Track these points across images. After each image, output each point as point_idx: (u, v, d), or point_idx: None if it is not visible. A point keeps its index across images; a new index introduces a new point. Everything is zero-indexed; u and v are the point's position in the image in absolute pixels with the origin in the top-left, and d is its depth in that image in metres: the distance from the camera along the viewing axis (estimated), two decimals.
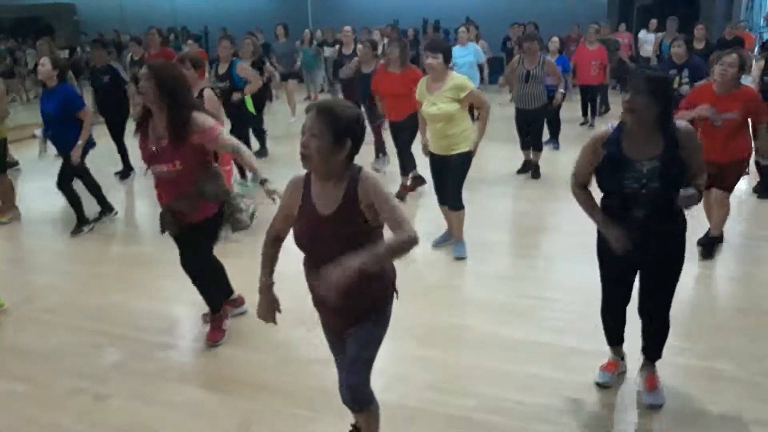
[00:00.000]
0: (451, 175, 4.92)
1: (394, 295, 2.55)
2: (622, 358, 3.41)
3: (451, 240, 5.21)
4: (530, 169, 7.36)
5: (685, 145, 2.76)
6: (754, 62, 6.65)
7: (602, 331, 3.37)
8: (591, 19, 11.01)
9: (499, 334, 3.87)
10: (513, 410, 3.14)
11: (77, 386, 3.44)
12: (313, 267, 2.34)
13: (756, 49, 11.40)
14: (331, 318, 2.51)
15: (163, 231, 3.61)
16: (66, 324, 4.15)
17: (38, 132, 8.33)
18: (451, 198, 4.99)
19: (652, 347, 3.25)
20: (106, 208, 6.04)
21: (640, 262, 3.01)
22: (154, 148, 3.41)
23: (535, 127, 7.29)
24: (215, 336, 3.81)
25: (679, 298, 4.44)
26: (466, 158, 4.85)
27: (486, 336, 3.87)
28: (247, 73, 6.75)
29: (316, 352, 3.23)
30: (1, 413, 3.25)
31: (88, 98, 6.95)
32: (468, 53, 8.63)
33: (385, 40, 10.29)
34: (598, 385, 3.30)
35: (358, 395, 2.44)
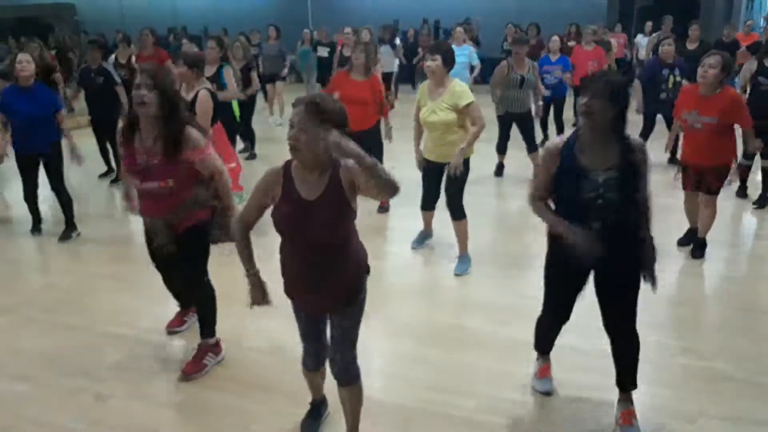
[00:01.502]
0: (451, 183, 4.72)
1: (367, 274, 2.68)
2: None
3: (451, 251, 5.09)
4: (502, 172, 7.55)
5: (638, 158, 2.69)
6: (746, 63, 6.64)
7: (602, 331, 3.36)
8: (591, 19, 11.02)
9: (499, 335, 3.87)
10: (513, 410, 3.15)
11: (77, 386, 3.44)
12: (290, 254, 2.52)
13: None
14: (307, 305, 2.65)
15: (152, 244, 3.48)
16: (66, 324, 4.15)
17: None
18: (453, 207, 4.80)
19: (625, 373, 3.00)
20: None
21: (597, 274, 2.92)
22: (141, 163, 3.19)
23: (529, 128, 7.28)
24: (194, 368, 3.50)
25: (679, 299, 4.47)
26: (465, 165, 4.65)
27: (485, 336, 3.87)
28: (230, 81, 6.43)
29: None
30: (1, 413, 3.25)
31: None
32: (462, 53, 8.63)
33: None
34: (543, 393, 3.26)
35: (350, 371, 2.69)
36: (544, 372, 3.35)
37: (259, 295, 2.69)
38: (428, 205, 5.09)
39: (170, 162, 3.15)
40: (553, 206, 2.91)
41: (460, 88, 4.54)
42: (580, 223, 2.74)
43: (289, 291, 2.63)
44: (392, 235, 5.66)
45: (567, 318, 3.16)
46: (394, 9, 17.44)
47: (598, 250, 2.69)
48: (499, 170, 7.62)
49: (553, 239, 2.92)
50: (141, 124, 3.19)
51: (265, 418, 3.13)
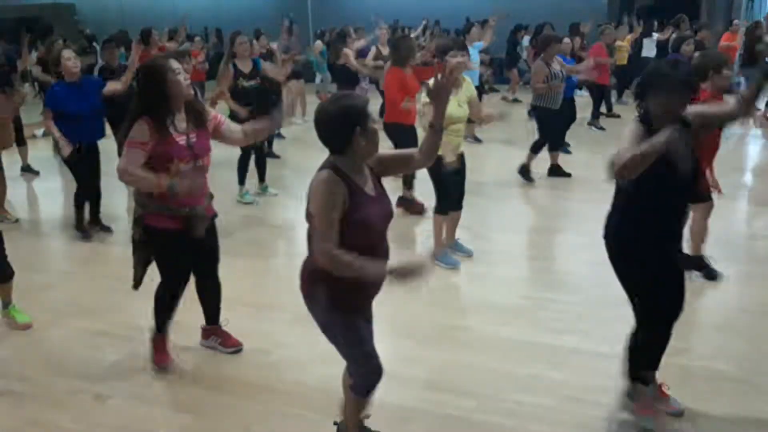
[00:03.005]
0: (461, 174, 4.89)
1: None
2: None
3: (452, 242, 5.13)
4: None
5: None
6: None
7: (605, 334, 3.36)
8: (591, 19, 10.99)
9: (499, 335, 3.87)
10: (513, 410, 3.14)
11: (77, 386, 3.44)
12: (378, 257, 2.36)
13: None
14: (369, 303, 2.60)
15: (197, 234, 3.34)
16: (66, 324, 4.15)
17: (39, 132, 8.28)
18: (461, 197, 4.96)
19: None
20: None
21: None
22: (185, 145, 3.22)
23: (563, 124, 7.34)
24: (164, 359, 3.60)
25: None
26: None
27: (486, 336, 3.87)
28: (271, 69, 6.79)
29: (316, 352, 3.23)
30: (1, 413, 3.25)
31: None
32: (474, 52, 8.63)
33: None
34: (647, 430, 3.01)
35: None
36: (650, 404, 3.03)
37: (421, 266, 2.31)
38: (460, 203, 5.03)
39: (203, 134, 3.30)
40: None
41: (469, 82, 4.80)
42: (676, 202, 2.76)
43: (359, 301, 2.50)
44: (392, 236, 5.65)
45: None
46: (395, 9, 17.43)
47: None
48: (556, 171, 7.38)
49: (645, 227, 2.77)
50: (175, 109, 3.22)
51: (265, 419, 3.13)
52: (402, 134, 5.73)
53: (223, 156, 5.96)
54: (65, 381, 3.50)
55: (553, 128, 7.17)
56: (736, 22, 12.66)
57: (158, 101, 3.17)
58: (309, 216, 2.37)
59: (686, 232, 3.23)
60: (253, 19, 15.10)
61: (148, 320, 3.94)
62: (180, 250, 3.37)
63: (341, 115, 2.33)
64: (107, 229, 5.79)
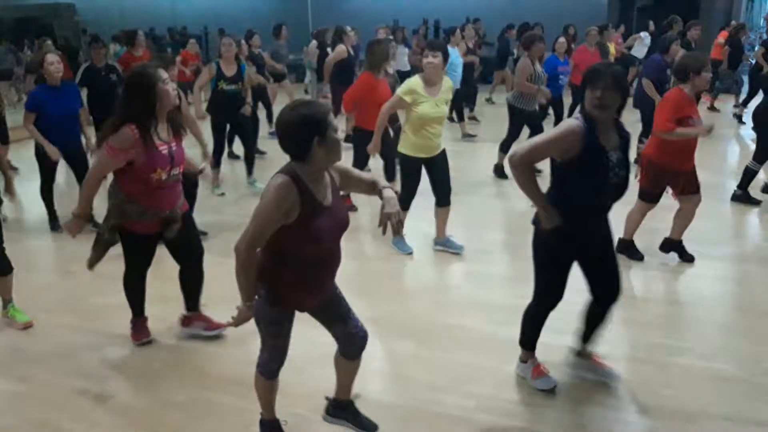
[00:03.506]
0: (444, 171, 4.98)
1: None
2: None
3: (443, 239, 5.21)
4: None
5: (628, 138, 3.02)
6: None
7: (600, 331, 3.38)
8: (591, 19, 11.02)
9: (499, 335, 3.87)
10: (513, 410, 3.15)
11: (77, 386, 3.44)
12: (317, 266, 2.50)
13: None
14: (317, 302, 2.65)
15: (170, 236, 3.55)
16: (66, 324, 4.15)
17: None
18: (447, 193, 5.03)
19: (597, 334, 3.42)
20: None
21: (592, 247, 3.14)
22: (167, 154, 3.33)
23: (540, 125, 7.26)
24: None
25: (679, 299, 4.47)
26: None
27: (485, 336, 3.87)
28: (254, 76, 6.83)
29: (316, 352, 3.23)
30: (1, 413, 3.25)
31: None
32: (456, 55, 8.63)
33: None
34: (550, 390, 3.27)
35: (366, 333, 2.76)
36: (541, 370, 3.35)
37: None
38: (445, 199, 5.10)
39: (180, 143, 3.44)
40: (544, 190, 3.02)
41: (448, 81, 4.86)
42: (599, 203, 3.01)
43: (303, 302, 2.60)
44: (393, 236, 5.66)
45: (561, 297, 3.20)
46: (395, 9, 17.46)
47: (557, 221, 2.95)
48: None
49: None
50: (159, 118, 3.29)
51: None
52: (360, 140, 5.63)
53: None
54: (65, 381, 3.50)
55: (519, 129, 7.17)
56: (733, 22, 12.68)
57: (146, 109, 3.22)
58: None
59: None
60: (254, 20, 15.13)
61: (148, 321, 3.95)
62: (151, 247, 3.62)
63: (299, 124, 2.28)
64: (98, 225, 5.76)
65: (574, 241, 3.05)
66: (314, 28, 14.71)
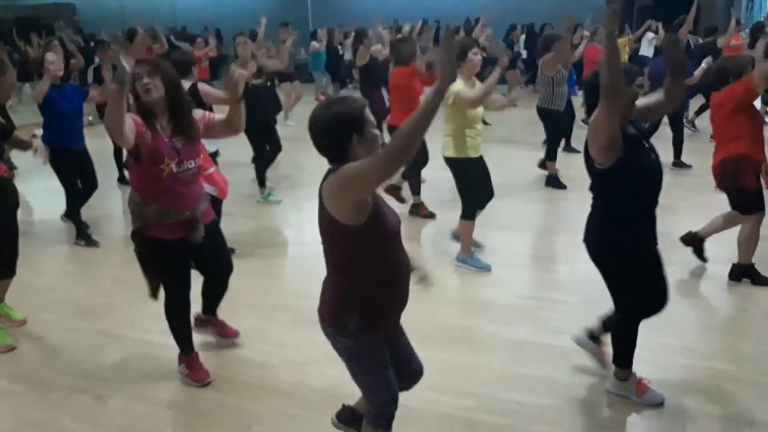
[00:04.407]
0: (488, 172, 4.94)
1: None
2: None
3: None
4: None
5: None
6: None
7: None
8: (590, 19, 11.00)
9: (499, 335, 3.87)
10: (513, 411, 3.14)
11: (77, 386, 3.44)
12: (395, 264, 2.32)
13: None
14: (394, 320, 2.45)
15: (195, 240, 3.30)
16: (66, 324, 4.15)
17: (39, 132, 8.20)
18: (491, 195, 4.99)
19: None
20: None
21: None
22: (172, 147, 3.22)
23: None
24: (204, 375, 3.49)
25: (680, 299, 4.46)
26: (452, 162, 4.74)
27: (486, 336, 3.87)
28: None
29: (316, 352, 3.23)
30: (1, 413, 3.25)
31: None
32: None
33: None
34: (661, 404, 3.14)
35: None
36: (645, 384, 3.17)
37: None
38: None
39: (192, 142, 3.28)
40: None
41: (478, 83, 4.74)
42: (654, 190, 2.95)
43: (389, 320, 2.38)
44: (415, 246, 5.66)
45: (664, 300, 3.15)
46: (395, 9, 17.44)
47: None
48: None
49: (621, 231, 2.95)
50: (156, 113, 3.21)
51: (265, 419, 3.13)
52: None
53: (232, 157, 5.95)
54: (65, 381, 3.50)
55: (558, 130, 7.13)
56: (741, 22, 12.64)
57: (137, 102, 3.21)
58: (327, 236, 2.23)
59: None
60: (254, 20, 15.11)
61: (148, 321, 3.96)
62: (181, 258, 3.33)
63: (335, 123, 2.16)
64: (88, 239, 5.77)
65: (647, 241, 3.00)
66: (314, 28, 14.71)
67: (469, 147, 4.65)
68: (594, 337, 3.39)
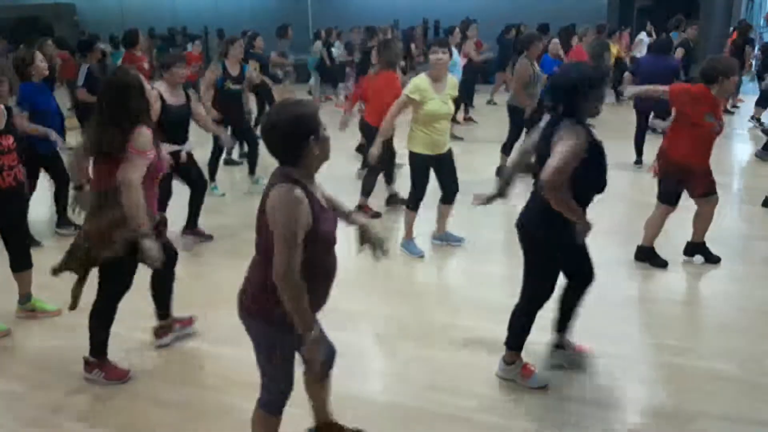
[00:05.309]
0: (452, 170, 5.00)
1: None
2: None
3: (442, 233, 5.27)
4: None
5: None
6: None
7: (602, 334, 3.37)
8: (591, 20, 11.03)
9: (499, 335, 3.85)
10: (513, 410, 3.15)
11: (77, 386, 3.44)
12: (327, 266, 2.41)
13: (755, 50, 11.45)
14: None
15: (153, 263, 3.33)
16: (66, 324, 4.14)
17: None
18: (455, 191, 5.04)
19: (572, 321, 3.47)
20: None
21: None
22: (156, 155, 3.27)
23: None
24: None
25: (679, 299, 4.47)
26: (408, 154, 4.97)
27: (486, 336, 3.86)
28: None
29: None
30: (1, 413, 3.25)
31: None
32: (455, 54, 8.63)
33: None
34: (542, 388, 3.29)
35: None
36: (530, 369, 3.34)
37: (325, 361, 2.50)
38: (449, 196, 5.11)
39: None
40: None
41: (453, 80, 4.90)
42: (593, 196, 3.07)
43: (316, 308, 2.41)
44: (392, 236, 5.66)
45: (551, 295, 3.29)
46: (395, 9, 17.46)
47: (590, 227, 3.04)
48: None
49: (559, 223, 3.02)
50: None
51: None
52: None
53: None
54: (65, 381, 3.50)
55: (521, 128, 7.12)
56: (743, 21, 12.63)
57: (143, 111, 3.19)
58: (263, 230, 2.27)
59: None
60: (254, 20, 15.14)
61: (148, 321, 3.95)
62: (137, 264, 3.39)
63: (294, 125, 2.19)
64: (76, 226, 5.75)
65: (573, 240, 3.08)
66: (314, 28, 14.72)
67: (421, 143, 4.82)
68: (561, 344, 3.50)
